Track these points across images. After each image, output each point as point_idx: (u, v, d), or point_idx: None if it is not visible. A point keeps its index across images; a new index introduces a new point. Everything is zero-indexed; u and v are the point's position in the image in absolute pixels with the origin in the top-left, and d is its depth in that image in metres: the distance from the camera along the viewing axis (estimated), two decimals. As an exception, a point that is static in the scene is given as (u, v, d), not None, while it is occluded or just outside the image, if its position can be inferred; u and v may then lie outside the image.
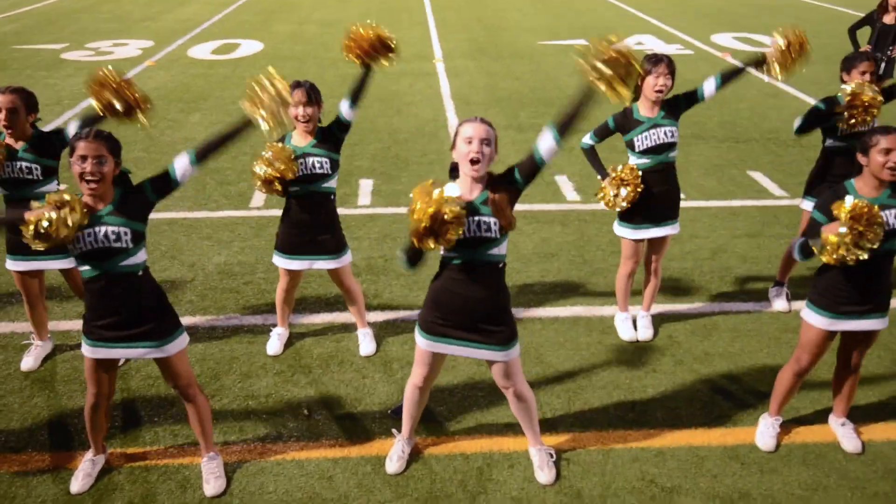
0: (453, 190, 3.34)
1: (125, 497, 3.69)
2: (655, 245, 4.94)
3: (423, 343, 3.60)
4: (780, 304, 5.41)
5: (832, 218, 3.50)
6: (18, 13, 18.45)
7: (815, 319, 3.78)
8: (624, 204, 4.67)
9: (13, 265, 4.52)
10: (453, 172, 3.43)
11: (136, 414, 4.31)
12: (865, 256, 3.39)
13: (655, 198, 4.72)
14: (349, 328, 5.11)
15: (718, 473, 3.86)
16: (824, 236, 3.42)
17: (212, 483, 3.72)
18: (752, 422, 4.23)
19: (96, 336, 3.47)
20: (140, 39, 15.16)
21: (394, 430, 4.03)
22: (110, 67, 4.03)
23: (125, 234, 3.30)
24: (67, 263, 4.51)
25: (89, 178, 3.21)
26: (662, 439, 4.10)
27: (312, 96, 4.37)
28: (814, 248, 3.49)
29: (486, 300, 3.44)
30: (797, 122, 5.02)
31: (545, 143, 3.30)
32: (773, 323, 5.24)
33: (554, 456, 3.89)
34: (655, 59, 4.58)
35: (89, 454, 3.83)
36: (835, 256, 3.40)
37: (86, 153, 3.20)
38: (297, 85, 4.33)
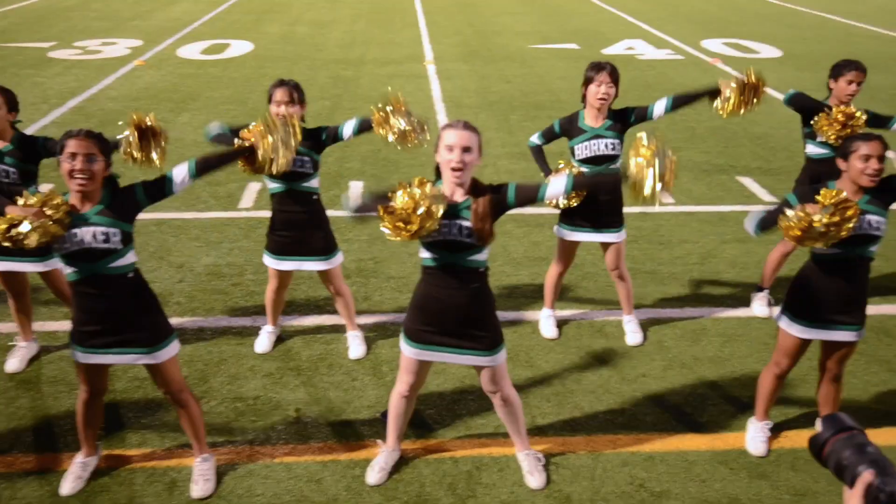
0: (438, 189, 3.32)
1: (112, 499, 3.65)
2: (608, 252, 4.95)
3: (408, 351, 3.58)
4: (760, 309, 5.42)
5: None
6: (6, 10, 18.29)
7: (790, 328, 3.83)
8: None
9: None
10: (437, 174, 3.42)
11: (122, 416, 4.26)
12: (823, 246, 3.41)
13: (597, 204, 4.73)
14: (339, 330, 5.08)
15: (707, 478, 3.86)
16: (795, 212, 3.37)
17: (200, 485, 3.69)
18: (741, 426, 4.24)
19: (87, 343, 3.42)
20: (129, 38, 15.07)
21: (379, 441, 3.97)
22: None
23: (114, 234, 3.25)
24: (42, 267, 4.43)
25: (79, 175, 3.17)
26: (652, 444, 4.10)
27: (295, 96, 4.36)
28: (781, 219, 3.41)
29: (470, 305, 3.43)
30: (789, 94, 5.12)
31: (554, 189, 3.32)
32: (763, 328, 5.26)
33: (542, 460, 3.89)
34: (598, 67, 4.58)
35: (79, 456, 3.78)
36: (798, 231, 3.34)
37: (76, 150, 3.16)
38: (280, 83, 4.35)
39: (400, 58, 13.65)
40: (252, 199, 7.24)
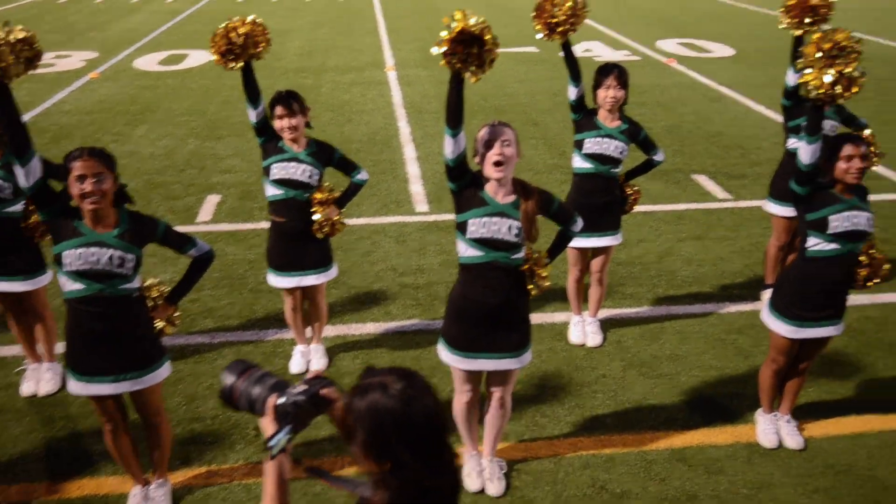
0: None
1: (66, 527, 3.58)
2: (599, 255, 5.00)
3: (452, 360, 3.55)
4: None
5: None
6: (-45, 25, 17.87)
7: (778, 328, 3.89)
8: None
9: None
10: (478, 179, 3.41)
11: (69, 443, 4.18)
12: (829, 77, 3.32)
13: (597, 207, 4.78)
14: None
15: (666, 476, 3.91)
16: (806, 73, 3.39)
17: (157, 510, 3.63)
18: (698, 423, 4.30)
19: (81, 369, 3.31)
20: (84, 51, 14.82)
21: (463, 452, 3.86)
22: None
23: (129, 260, 3.22)
24: (21, 286, 4.27)
25: (90, 196, 3.09)
26: (612, 444, 4.14)
27: (295, 106, 4.27)
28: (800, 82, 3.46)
29: (507, 303, 3.44)
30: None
31: (577, 227, 3.66)
32: (719, 324, 5.34)
33: (504, 467, 3.90)
34: (605, 71, 4.63)
35: (136, 489, 3.69)
36: (814, 83, 3.38)
37: (84, 172, 3.08)
38: (277, 98, 4.28)
39: (361, 65, 13.61)
40: (210, 212, 7.15)
